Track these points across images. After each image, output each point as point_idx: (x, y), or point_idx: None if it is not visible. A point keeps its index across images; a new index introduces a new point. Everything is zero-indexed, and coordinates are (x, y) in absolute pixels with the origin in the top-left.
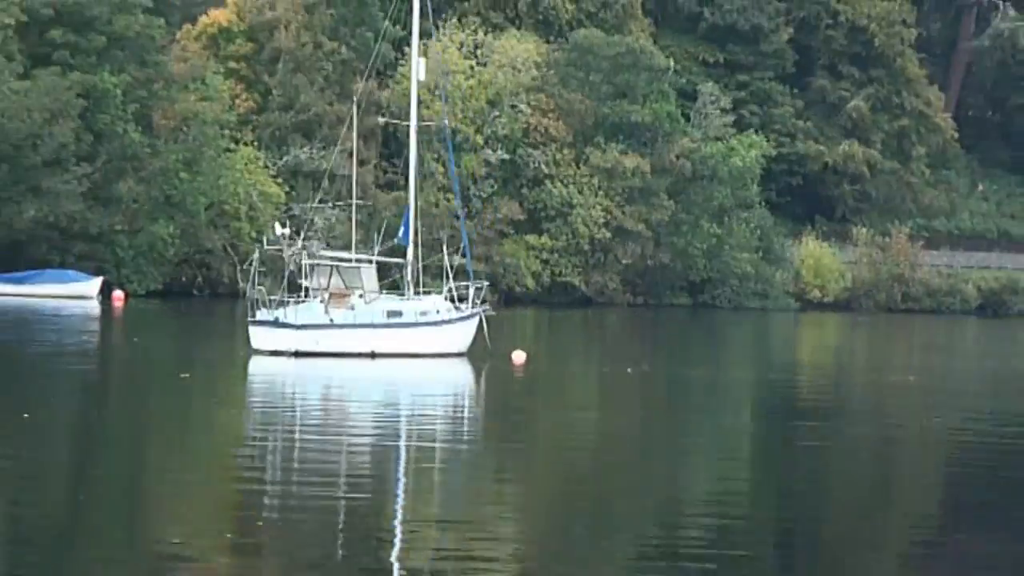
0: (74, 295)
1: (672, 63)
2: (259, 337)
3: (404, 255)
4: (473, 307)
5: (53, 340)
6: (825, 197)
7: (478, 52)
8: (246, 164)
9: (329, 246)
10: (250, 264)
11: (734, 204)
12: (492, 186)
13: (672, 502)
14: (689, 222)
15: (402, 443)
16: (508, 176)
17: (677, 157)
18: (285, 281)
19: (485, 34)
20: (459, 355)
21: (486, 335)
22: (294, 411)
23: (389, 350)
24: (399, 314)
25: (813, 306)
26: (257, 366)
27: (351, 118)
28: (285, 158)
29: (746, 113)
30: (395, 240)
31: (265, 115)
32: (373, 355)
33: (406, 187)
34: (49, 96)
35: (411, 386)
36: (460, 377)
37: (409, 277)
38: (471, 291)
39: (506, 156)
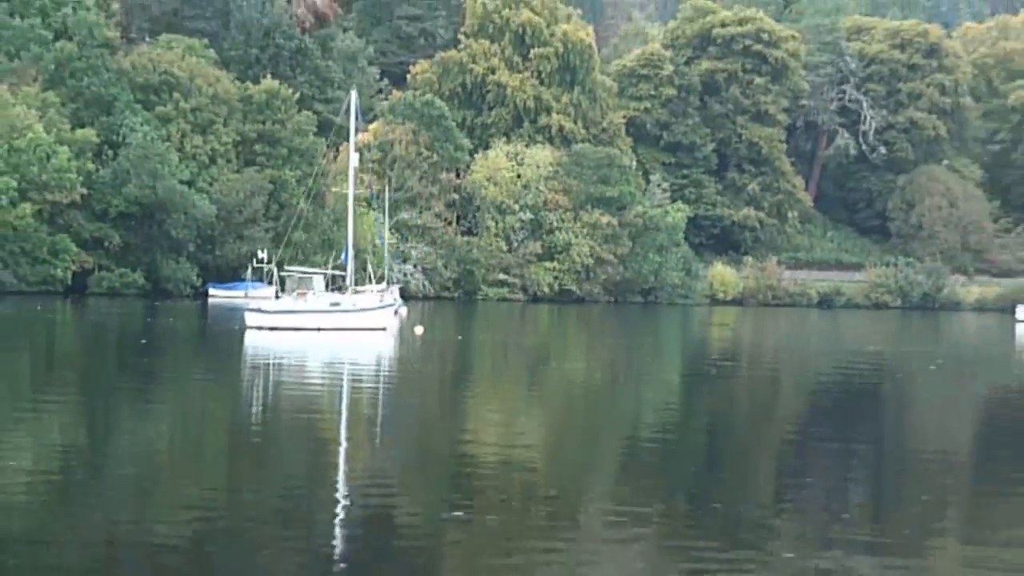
0: (258, 298)
1: (633, 162)
2: (249, 318)
3: (345, 270)
4: (391, 302)
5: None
6: (732, 240)
7: (517, 157)
8: (371, 222)
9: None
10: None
11: (668, 243)
12: (524, 234)
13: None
14: (641, 254)
15: (340, 374)
16: (534, 228)
17: (634, 216)
18: (276, 284)
19: (525, 147)
20: (380, 330)
21: (400, 319)
22: (268, 359)
23: (330, 326)
24: (338, 304)
25: (719, 302)
26: (248, 336)
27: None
28: (395, 218)
29: (686, 192)
30: (341, 261)
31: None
32: (319, 329)
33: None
34: (251, 182)
35: (346, 346)
36: (377, 342)
37: (347, 282)
38: (390, 293)
39: (532, 216)
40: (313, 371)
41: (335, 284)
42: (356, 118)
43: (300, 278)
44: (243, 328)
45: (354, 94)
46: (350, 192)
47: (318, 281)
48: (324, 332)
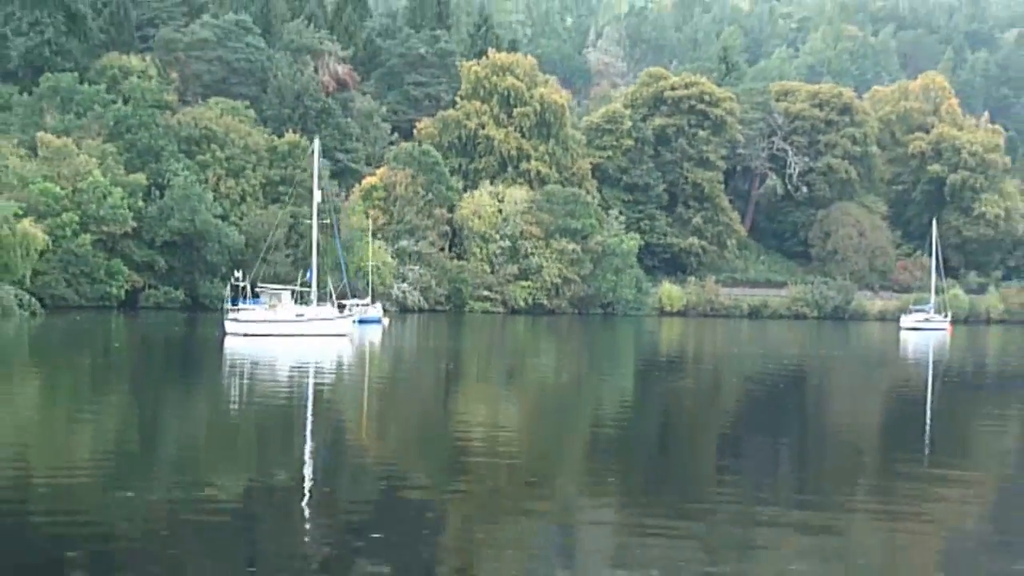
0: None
1: (596, 200)
2: (228, 326)
3: (310, 287)
4: (350, 313)
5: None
6: (680, 263)
7: (499, 196)
8: (375, 248)
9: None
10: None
11: (623, 266)
12: (504, 258)
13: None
14: (601, 275)
15: (304, 369)
16: (512, 253)
17: (595, 244)
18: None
19: (506, 188)
20: (341, 336)
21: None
22: (243, 358)
23: (296, 333)
24: (303, 315)
25: (666, 314)
26: (228, 340)
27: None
28: (396, 245)
29: (642, 224)
30: (307, 279)
31: (390, 226)
32: (287, 335)
33: None
34: (274, 217)
35: (310, 349)
36: (337, 346)
37: (312, 297)
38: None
39: (511, 243)
40: (281, 369)
41: (303, 299)
42: (318, 162)
43: (271, 293)
44: (223, 334)
45: (317, 142)
46: (314, 224)
47: (285, 296)
48: (292, 337)
